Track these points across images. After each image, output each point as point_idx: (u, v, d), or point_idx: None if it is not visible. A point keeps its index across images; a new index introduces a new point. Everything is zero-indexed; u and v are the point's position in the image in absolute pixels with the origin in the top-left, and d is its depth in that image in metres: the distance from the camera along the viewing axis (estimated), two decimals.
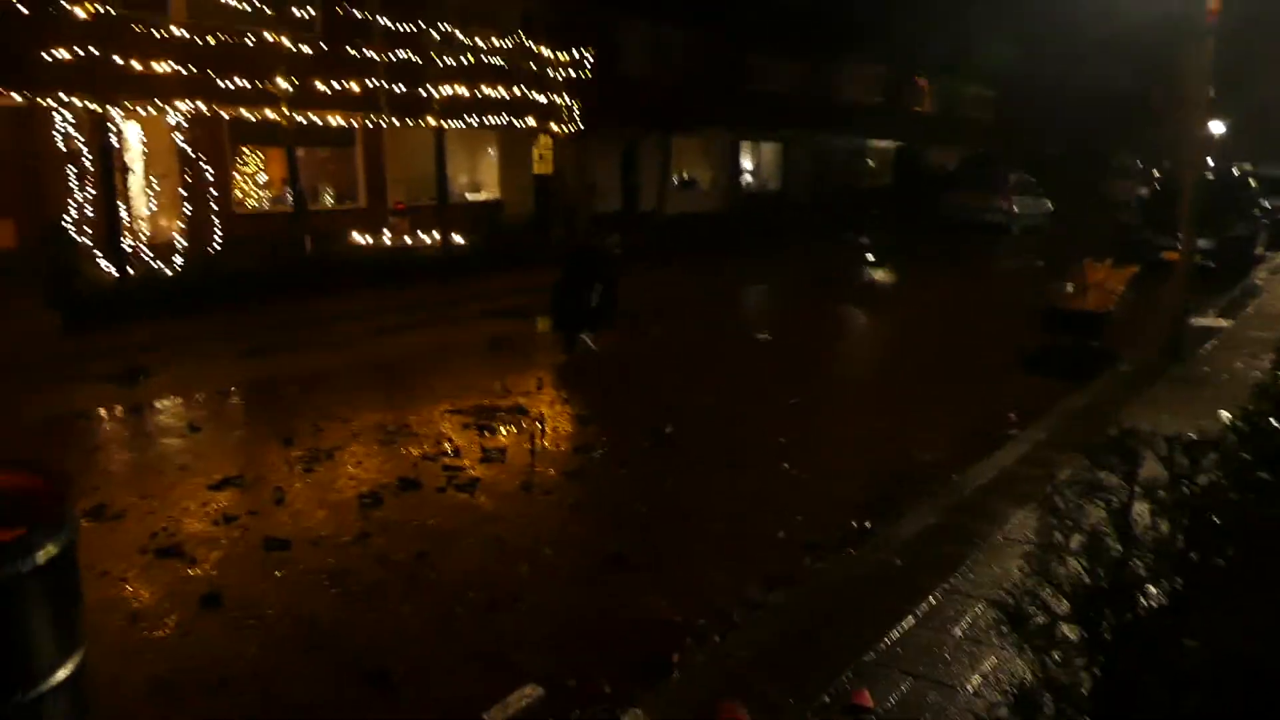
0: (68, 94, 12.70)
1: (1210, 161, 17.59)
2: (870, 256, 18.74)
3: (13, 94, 12.80)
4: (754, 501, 5.55)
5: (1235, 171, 23.31)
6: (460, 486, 5.72)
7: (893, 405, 7.91)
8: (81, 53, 12.24)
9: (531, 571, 4.56)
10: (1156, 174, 35.90)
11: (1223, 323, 10.85)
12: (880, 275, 17.28)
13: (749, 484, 5.87)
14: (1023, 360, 9.22)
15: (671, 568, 4.62)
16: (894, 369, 9.75)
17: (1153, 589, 2.30)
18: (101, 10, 12.24)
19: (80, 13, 11.95)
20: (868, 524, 5.13)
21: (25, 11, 12.26)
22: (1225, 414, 2.88)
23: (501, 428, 7.03)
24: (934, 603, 3.93)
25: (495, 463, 6.19)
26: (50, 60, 12.68)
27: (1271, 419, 2.94)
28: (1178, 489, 2.27)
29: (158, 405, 7.90)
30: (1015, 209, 25.68)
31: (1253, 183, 18.66)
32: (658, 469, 6.13)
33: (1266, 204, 18.25)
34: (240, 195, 17.36)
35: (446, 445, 6.56)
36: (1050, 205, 27.97)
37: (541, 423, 7.19)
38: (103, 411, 7.76)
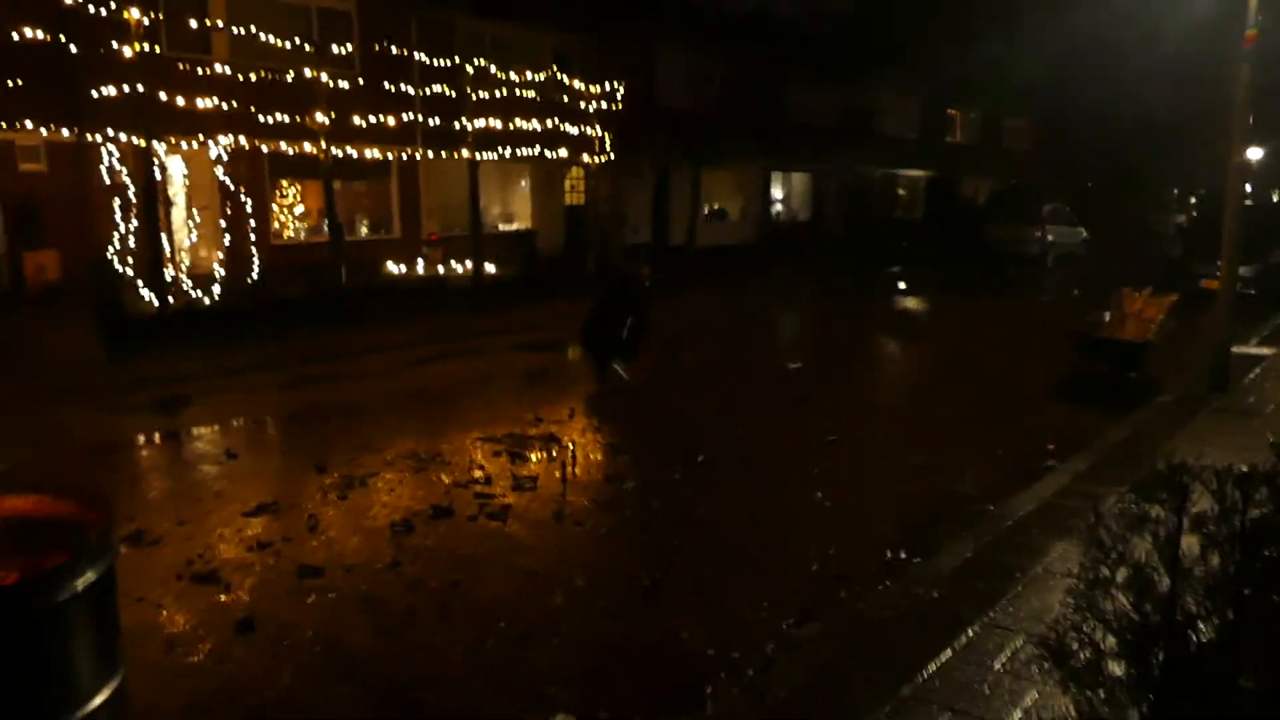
0: (115, 130, 13.08)
1: (1249, 188, 17.34)
2: (902, 285, 18.65)
3: (63, 130, 13.22)
4: (788, 532, 5.49)
5: (1275, 198, 22.90)
6: (492, 515, 5.72)
7: (928, 435, 7.81)
8: (128, 90, 12.61)
9: (564, 601, 4.53)
10: (1194, 201, 35.49)
11: (1266, 351, 10.63)
12: (913, 304, 17.16)
13: (782, 514, 5.81)
14: (1061, 391, 9.08)
15: (705, 599, 4.57)
16: (929, 399, 9.64)
17: (1204, 626, 2.23)
18: (148, 49, 12.61)
19: (128, 51, 12.32)
20: (903, 555, 5.05)
21: (75, 50, 12.68)
22: (1275, 442, 2.80)
23: (533, 456, 7.03)
24: (973, 636, 3.85)
25: (527, 491, 6.19)
26: (98, 97, 13.09)
27: None
28: (1229, 522, 2.21)
29: (196, 432, 8.02)
30: (1050, 238, 25.49)
31: None
32: (690, 499, 6.09)
33: None
34: (278, 226, 17.72)
35: (479, 473, 6.58)
36: (1085, 234, 27.72)
37: (573, 451, 7.19)
38: (143, 438, 7.88)
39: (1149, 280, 9.98)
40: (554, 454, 7.09)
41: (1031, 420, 8.12)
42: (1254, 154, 31.81)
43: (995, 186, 38.43)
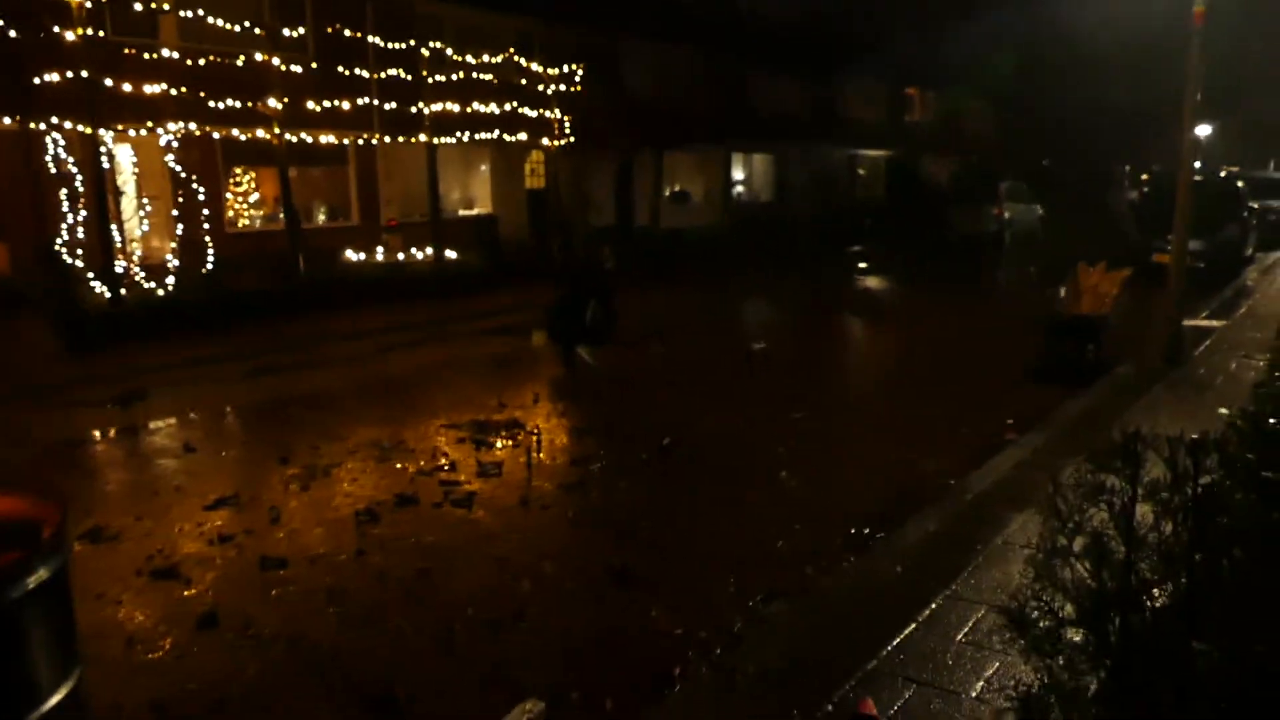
0: (60, 118, 12.71)
1: (1199, 165, 17.71)
2: (863, 265, 18.79)
3: (4, 119, 12.83)
4: (754, 512, 5.53)
5: (1224, 174, 23.44)
6: (457, 502, 5.69)
7: (890, 414, 7.90)
8: (73, 76, 12.25)
9: (532, 587, 4.53)
10: (1145, 178, 36.13)
11: (1216, 324, 10.88)
12: (874, 283, 17.31)
13: (749, 495, 5.84)
14: (1020, 367, 9.23)
15: (673, 580, 4.59)
16: (891, 378, 9.74)
17: (1158, 592, 2.28)
18: (92, 34, 12.25)
19: (71, 36, 11.96)
20: (867, 532, 5.11)
21: (16, 35, 12.29)
22: (1224, 411, 2.87)
23: (498, 442, 7.00)
24: (935, 609, 3.91)
25: (492, 477, 6.16)
26: (42, 84, 12.70)
27: (1272, 419, 2.93)
28: (1181, 490, 2.25)
29: (154, 426, 7.87)
30: (1007, 215, 25.82)
31: (1241, 185, 18.78)
32: (657, 481, 6.10)
33: (1255, 205, 18.36)
34: (233, 215, 17.38)
35: (443, 460, 6.53)
36: (1041, 211, 28.12)
37: (539, 437, 7.17)
38: (98, 434, 7.72)
39: (1103, 256, 10.14)
40: (519, 440, 7.07)
41: (991, 396, 8.24)
42: (1203, 130, 32.48)
43: (955, 166, 38.85)
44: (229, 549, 5.03)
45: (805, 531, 5.15)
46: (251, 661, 3.87)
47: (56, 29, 12.01)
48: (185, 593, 4.52)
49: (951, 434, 7.08)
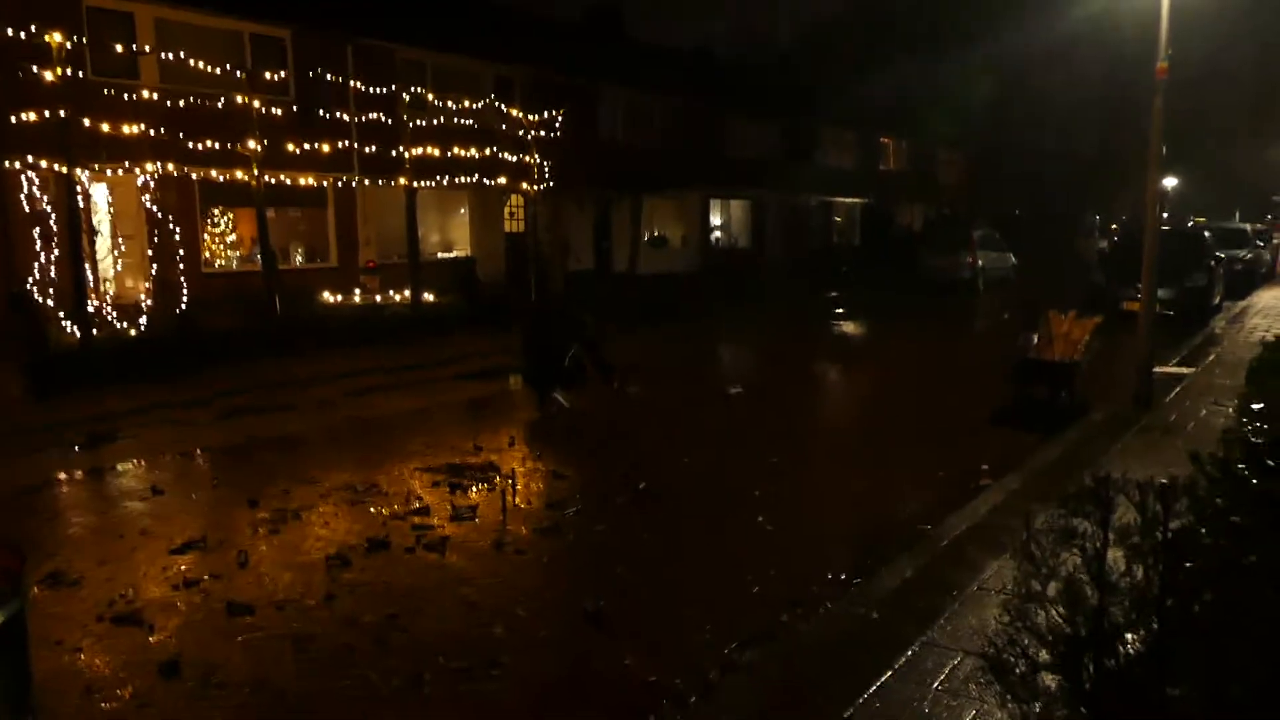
0: (35, 156, 12.66)
1: (1166, 215, 18.11)
2: (839, 311, 18.96)
3: None
4: (731, 557, 5.49)
5: (1191, 224, 23.97)
6: (430, 546, 5.61)
7: (867, 459, 7.91)
8: (50, 115, 12.22)
9: (505, 632, 4.45)
10: (1115, 228, 36.87)
11: (1186, 371, 11.03)
12: (850, 329, 17.45)
13: (725, 540, 5.81)
14: (993, 413, 9.30)
15: (648, 626, 4.54)
16: (866, 424, 9.78)
17: (1132, 636, 2.28)
18: (71, 74, 12.26)
19: (50, 75, 11.96)
20: (844, 577, 5.08)
21: None
22: (1194, 454, 2.90)
23: (473, 486, 6.93)
24: (912, 655, 3.88)
25: (466, 521, 6.09)
26: (17, 122, 12.66)
27: (1241, 464, 2.96)
28: (1151, 534, 2.26)
29: (121, 469, 7.73)
30: (981, 264, 26.21)
31: (1208, 235, 19.20)
32: (632, 524, 6.05)
33: (1222, 254, 18.76)
34: (209, 255, 17.29)
35: (416, 504, 6.45)
36: (1014, 260, 28.57)
37: (514, 480, 7.10)
38: (64, 476, 7.57)
39: (1074, 303, 10.29)
40: (494, 483, 7.00)
41: (966, 441, 8.28)
42: (1169, 182, 33.26)
43: (929, 213, 39.49)
44: (194, 594, 4.92)
45: (781, 576, 5.11)
46: (215, 711, 3.77)
47: (35, 68, 12.00)
48: (148, 639, 4.40)
49: (927, 477, 7.09)
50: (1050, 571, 2.39)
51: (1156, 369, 9.72)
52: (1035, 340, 9.67)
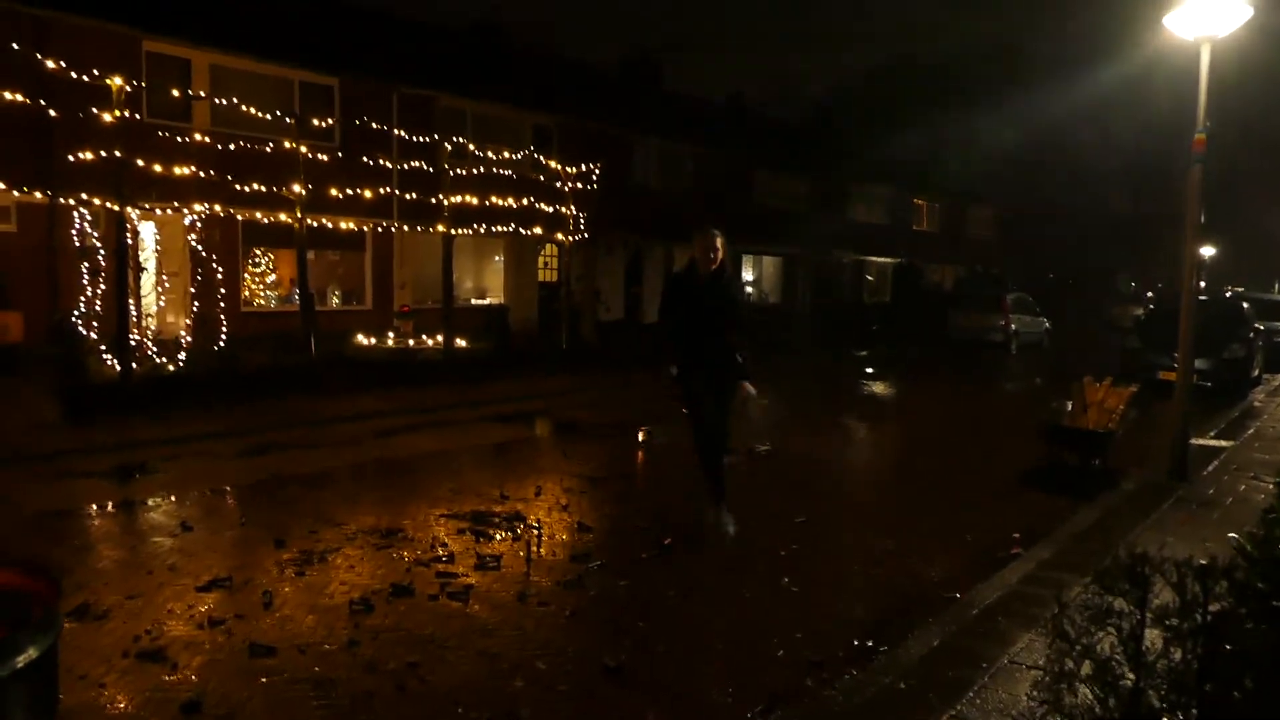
0: (89, 194, 13.06)
1: (1203, 284, 17.93)
2: (869, 370, 18.88)
3: (35, 192, 13.18)
4: (754, 616, 5.42)
5: (1229, 294, 23.70)
6: (454, 594, 5.60)
7: (896, 521, 7.81)
8: (105, 155, 12.64)
9: (525, 684, 4.42)
10: (1151, 295, 36.53)
11: (1224, 444, 10.82)
12: (880, 388, 17.34)
13: (749, 598, 5.74)
14: (1026, 478, 9.16)
15: (670, 684, 4.48)
16: (895, 484, 9.67)
17: None
18: (128, 115, 12.69)
19: (108, 117, 12.39)
20: (870, 643, 4.99)
21: (54, 115, 12.74)
22: (1234, 537, 2.84)
23: (498, 534, 6.93)
24: None
25: (491, 570, 6.08)
26: (74, 161, 13.10)
27: None
28: (1191, 616, 2.22)
29: (152, 502, 7.82)
30: (1014, 327, 26.05)
31: (1246, 305, 18.95)
32: (656, 581, 6.01)
33: (1261, 326, 18.48)
34: (249, 294, 17.65)
35: (441, 551, 6.46)
36: (1048, 324, 28.37)
37: (539, 530, 7.09)
38: (96, 507, 7.67)
39: (1109, 371, 10.19)
40: (519, 533, 6.99)
41: (997, 507, 8.16)
42: (1207, 251, 32.95)
43: (960, 273, 39.42)
44: (218, 633, 4.94)
45: (806, 639, 5.04)
46: None
47: (94, 109, 12.45)
48: (170, 677, 4.41)
49: (956, 542, 6.98)
50: (1084, 650, 2.34)
51: (1193, 441, 9.56)
52: (1069, 408, 9.57)
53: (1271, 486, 6.85)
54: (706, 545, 6.82)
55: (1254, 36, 9.43)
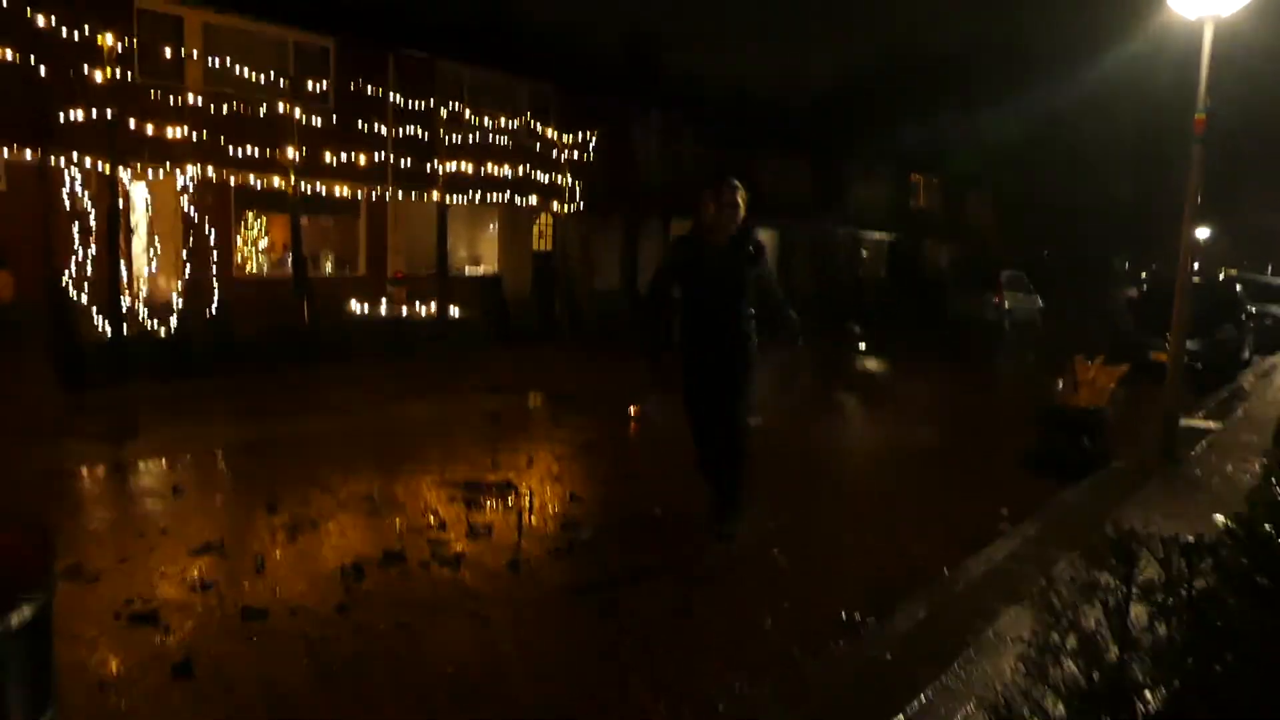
0: (80, 153, 12.93)
1: (1197, 266, 17.98)
2: (862, 346, 18.91)
3: (26, 151, 13.05)
4: (743, 589, 5.47)
5: (1222, 277, 23.75)
6: (445, 561, 5.63)
7: (882, 496, 7.87)
8: (96, 115, 12.50)
9: (514, 653, 4.45)
10: (1144, 276, 36.61)
11: (1212, 425, 10.89)
12: (872, 365, 17.39)
13: (737, 570, 5.79)
14: (1014, 456, 9.22)
15: (658, 657, 4.52)
16: (884, 460, 9.73)
17: (1150, 695, 2.26)
18: (119, 75, 12.54)
19: (99, 76, 12.24)
20: (857, 617, 5.05)
21: (45, 73, 12.58)
22: (1219, 517, 2.87)
23: (490, 502, 6.95)
24: (925, 701, 3.84)
25: (482, 538, 6.11)
26: (65, 120, 12.95)
27: (1266, 525, 2.93)
28: (1175, 592, 2.24)
29: (144, 466, 7.82)
30: (1007, 305, 26.07)
31: (1239, 288, 19.01)
32: (645, 551, 6.05)
33: (1253, 309, 18.56)
34: (241, 259, 17.54)
35: (433, 519, 6.48)
36: (1041, 302, 28.40)
37: (530, 499, 7.12)
38: (88, 470, 7.67)
39: (1101, 350, 10.22)
40: (511, 502, 7.02)
41: (986, 484, 8.22)
42: (1203, 234, 33.03)
43: (956, 252, 39.43)
44: (210, 596, 4.96)
45: (793, 612, 5.08)
46: (224, 712, 3.79)
47: (85, 68, 12.29)
48: (162, 639, 4.44)
49: (944, 519, 7.04)
50: (1070, 624, 2.37)
51: (1182, 421, 9.61)
52: (1060, 386, 9.61)
53: (1258, 467, 6.92)
54: (695, 517, 6.86)
55: (1255, 22, 9.36)
